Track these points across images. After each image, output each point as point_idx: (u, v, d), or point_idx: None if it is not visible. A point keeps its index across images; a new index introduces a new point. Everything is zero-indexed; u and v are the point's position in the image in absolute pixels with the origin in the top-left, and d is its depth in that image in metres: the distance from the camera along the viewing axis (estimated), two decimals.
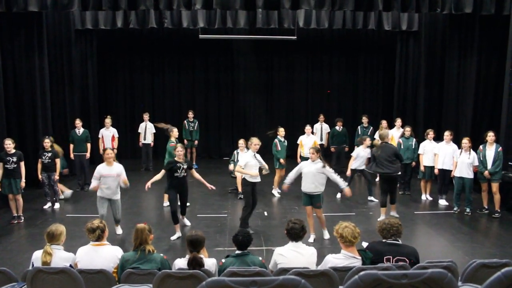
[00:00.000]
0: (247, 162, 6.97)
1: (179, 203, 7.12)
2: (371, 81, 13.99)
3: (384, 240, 4.36)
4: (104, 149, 7.11)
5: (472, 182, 8.13)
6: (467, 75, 10.02)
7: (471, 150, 8.06)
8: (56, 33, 10.89)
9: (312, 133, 10.72)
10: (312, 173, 6.58)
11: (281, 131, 9.53)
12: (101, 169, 6.71)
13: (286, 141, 9.71)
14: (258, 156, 7.24)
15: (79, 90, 11.89)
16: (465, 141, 8.06)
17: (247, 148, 9.73)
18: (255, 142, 7.17)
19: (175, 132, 8.40)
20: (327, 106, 13.79)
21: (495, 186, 7.88)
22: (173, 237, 6.88)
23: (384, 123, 10.70)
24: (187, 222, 7.45)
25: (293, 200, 8.83)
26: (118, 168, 6.79)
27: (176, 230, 6.93)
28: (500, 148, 7.92)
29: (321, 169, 6.59)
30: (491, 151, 7.92)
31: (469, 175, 8.03)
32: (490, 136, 7.91)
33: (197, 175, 7.15)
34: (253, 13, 10.66)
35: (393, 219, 4.50)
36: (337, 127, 11.49)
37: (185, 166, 6.92)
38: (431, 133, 9.04)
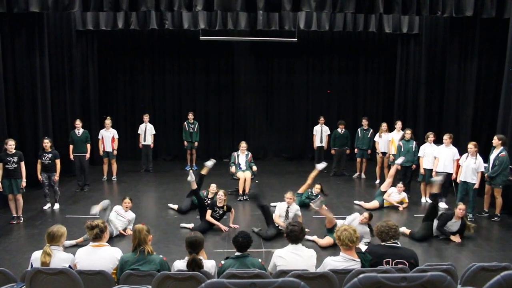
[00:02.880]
0: (280, 213, 7.13)
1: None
2: (371, 83, 13.97)
3: (383, 243, 4.36)
4: (124, 198, 7.30)
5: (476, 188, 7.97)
6: (468, 78, 10.01)
7: (478, 155, 7.89)
8: (57, 34, 10.89)
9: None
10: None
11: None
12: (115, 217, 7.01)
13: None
14: (294, 208, 7.16)
15: (80, 91, 11.89)
16: (471, 146, 7.90)
17: (248, 151, 9.81)
18: (288, 196, 7.16)
19: (212, 188, 8.24)
20: (327, 108, 13.78)
21: (496, 191, 7.80)
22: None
23: (384, 125, 10.70)
24: (188, 225, 7.42)
25: None
26: (130, 216, 7.20)
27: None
28: (503, 153, 7.61)
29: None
30: (493, 155, 7.77)
31: (473, 180, 7.88)
32: (494, 140, 7.76)
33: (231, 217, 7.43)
34: (254, 15, 10.69)
35: (391, 221, 4.48)
36: (339, 130, 11.50)
37: (220, 212, 7.23)
38: (431, 136, 9.02)
